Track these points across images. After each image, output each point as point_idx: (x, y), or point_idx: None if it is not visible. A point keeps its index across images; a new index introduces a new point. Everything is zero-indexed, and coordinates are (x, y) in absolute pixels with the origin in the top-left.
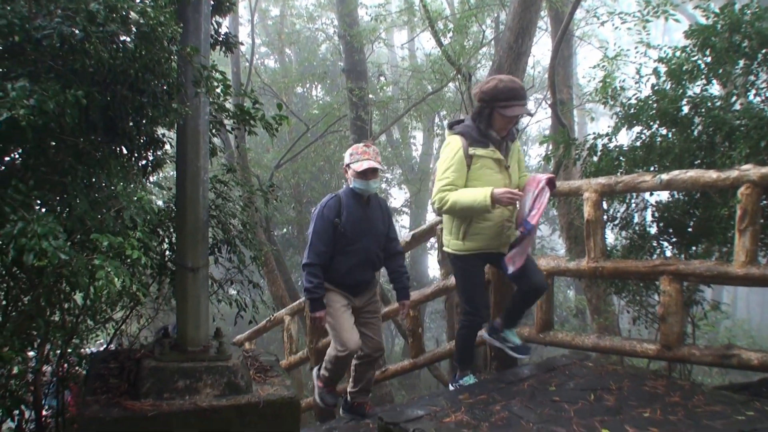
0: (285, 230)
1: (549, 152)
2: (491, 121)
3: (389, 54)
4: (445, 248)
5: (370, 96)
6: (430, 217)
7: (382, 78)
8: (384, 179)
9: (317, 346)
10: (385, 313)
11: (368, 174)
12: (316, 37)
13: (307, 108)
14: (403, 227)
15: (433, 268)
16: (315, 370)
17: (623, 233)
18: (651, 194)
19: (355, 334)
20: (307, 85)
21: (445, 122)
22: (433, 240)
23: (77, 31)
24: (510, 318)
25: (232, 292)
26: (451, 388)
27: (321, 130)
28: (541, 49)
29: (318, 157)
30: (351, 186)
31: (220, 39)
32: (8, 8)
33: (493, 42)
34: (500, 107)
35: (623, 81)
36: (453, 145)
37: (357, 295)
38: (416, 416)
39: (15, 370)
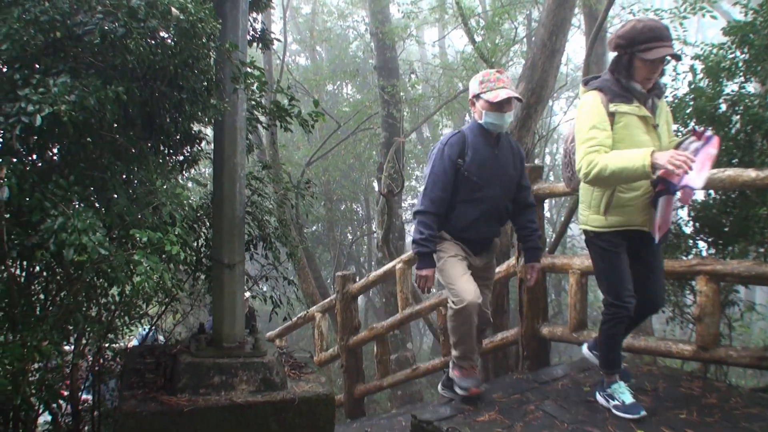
0: (315, 227)
1: None
2: (632, 70)
3: (420, 51)
4: (581, 226)
5: (401, 93)
6: None
7: (413, 75)
8: (414, 177)
9: (348, 343)
10: (417, 311)
11: (504, 106)
12: (347, 35)
13: (338, 105)
14: None
15: None
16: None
17: None
18: None
19: (473, 285)
20: (338, 83)
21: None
22: None
23: (118, 27)
24: (610, 357)
25: (265, 288)
26: (600, 399)
27: (351, 128)
28: (573, 47)
29: (348, 155)
30: (480, 121)
31: (257, 35)
32: (50, 4)
33: (525, 39)
34: (641, 51)
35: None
36: (592, 102)
37: (478, 253)
38: (450, 415)
39: (52, 364)
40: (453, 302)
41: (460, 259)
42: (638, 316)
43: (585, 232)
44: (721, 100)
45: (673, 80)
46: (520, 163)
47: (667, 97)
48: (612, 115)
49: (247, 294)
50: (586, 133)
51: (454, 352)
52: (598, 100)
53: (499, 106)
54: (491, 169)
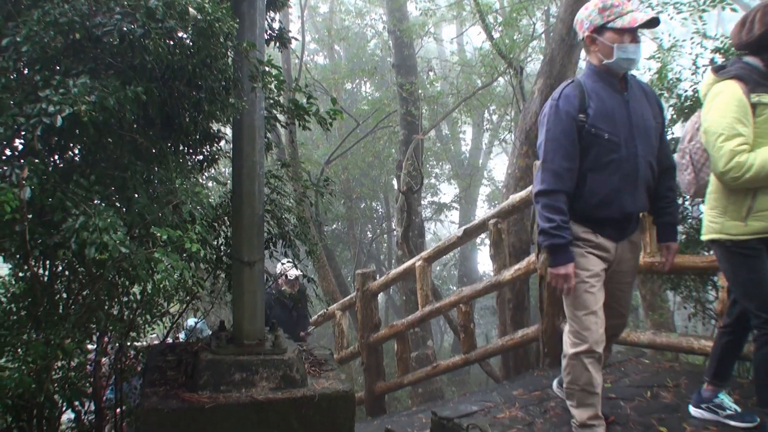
0: (335, 226)
1: None
2: None
3: (438, 48)
4: (710, 236)
5: (420, 91)
6: (480, 212)
7: (431, 73)
8: (432, 174)
9: (368, 341)
10: (437, 308)
11: (636, 35)
12: (364, 33)
13: (356, 104)
14: (452, 222)
15: (482, 264)
16: (555, 382)
17: (680, 228)
18: None
19: (601, 321)
20: (356, 81)
21: (495, 117)
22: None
23: (137, 28)
24: (721, 368)
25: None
26: (702, 413)
27: (370, 126)
28: None
29: (368, 153)
30: (609, 60)
31: (274, 34)
32: (69, 6)
33: (543, 35)
34: None
35: (678, 72)
36: (731, 93)
37: (622, 238)
38: (470, 411)
39: (74, 363)
40: (571, 340)
41: (598, 275)
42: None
43: (718, 242)
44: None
45: (693, 74)
46: (659, 109)
47: (687, 91)
48: (753, 107)
49: (297, 272)
50: (729, 128)
51: (569, 402)
52: (740, 91)
53: (632, 36)
54: (625, 121)
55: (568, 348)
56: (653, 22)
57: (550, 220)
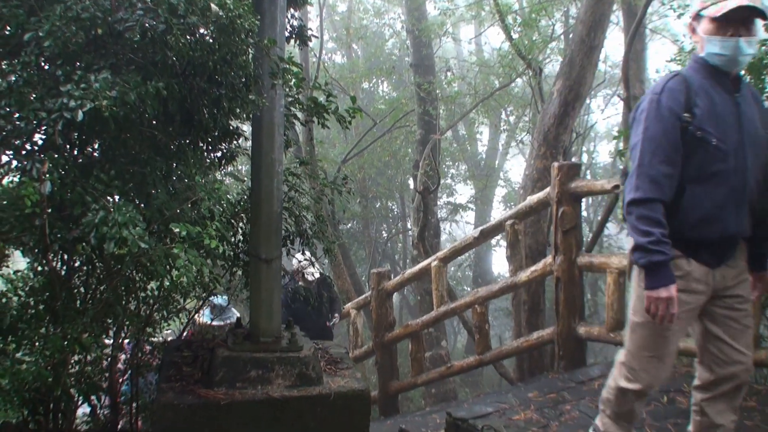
0: (350, 225)
1: (621, 148)
2: None
3: (456, 48)
4: None
5: (437, 91)
6: (495, 214)
7: (449, 73)
8: (448, 175)
9: (383, 340)
10: (452, 309)
11: (733, 25)
12: (383, 33)
13: (374, 103)
14: (468, 223)
15: (497, 265)
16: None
17: None
18: None
19: (667, 367)
20: (374, 81)
21: (512, 118)
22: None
23: (159, 24)
24: None
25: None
26: None
27: (387, 126)
28: (610, 43)
29: (384, 152)
30: (700, 55)
31: (294, 32)
32: (91, 2)
33: (562, 36)
34: None
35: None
36: None
37: (722, 262)
38: (485, 413)
39: (90, 357)
40: (623, 374)
41: (678, 320)
42: None
43: None
44: (764, 97)
45: None
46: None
47: None
48: None
49: (316, 275)
50: None
51: (603, 407)
52: None
53: (724, 25)
54: (735, 127)
55: (618, 379)
56: (746, 11)
57: (647, 233)
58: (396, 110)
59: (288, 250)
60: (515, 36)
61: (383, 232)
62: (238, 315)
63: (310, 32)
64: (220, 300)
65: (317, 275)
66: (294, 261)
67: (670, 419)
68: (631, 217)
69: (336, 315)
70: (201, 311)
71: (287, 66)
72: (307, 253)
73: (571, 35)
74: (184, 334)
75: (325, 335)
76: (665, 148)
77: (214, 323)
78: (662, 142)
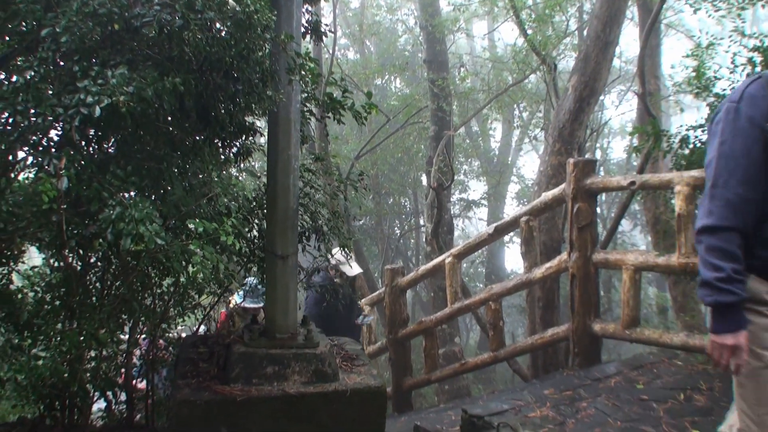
0: (363, 221)
1: (637, 144)
2: None
3: (469, 44)
4: None
5: (451, 87)
6: (509, 210)
7: (462, 69)
8: (461, 171)
9: (396, 336)
10: (466, 305)
11: None
12: (395, 29)
13: (387, 99)
14: (480, 219)
15: (510, 261)
16: None
17: None
18: None
19: None
20: (387, 77)
21: (525, 115)
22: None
23: (177, 19)
24: None
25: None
26: None
27: (400, 122)
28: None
29: (397, 149)
30: None
31: (309, 27)
32: None
33: (576, 32)
34: None
35: (716, 71)
36: None
37: None
38: (501, 410)
39: (106, 353)
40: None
41: None
42: None
43: None
44: None
45: (731, 72)
46: None
47: (725, 90)
48: None
49: (358, 269)
50: None
51: None
52: None
53: None
54: None
55: None
56: None
57: (716, 267)
58: (409, 106)
59: (303, 246)
60: (529, 32)
61: (396, 228)
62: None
63: (325, 27)
64: (254, 280)
65: (357, 271)
66: (331, 256)
67: (686, 417)
68: (701, 246)
69: (365, 313)
70: (236, 292)
71: (303, 61)
72: (332, 251)
73: (585, 31)
74: (201, 329)
75: (354, 333)
76: (745, 166)
77: (247, 305)
78: (741, 159)
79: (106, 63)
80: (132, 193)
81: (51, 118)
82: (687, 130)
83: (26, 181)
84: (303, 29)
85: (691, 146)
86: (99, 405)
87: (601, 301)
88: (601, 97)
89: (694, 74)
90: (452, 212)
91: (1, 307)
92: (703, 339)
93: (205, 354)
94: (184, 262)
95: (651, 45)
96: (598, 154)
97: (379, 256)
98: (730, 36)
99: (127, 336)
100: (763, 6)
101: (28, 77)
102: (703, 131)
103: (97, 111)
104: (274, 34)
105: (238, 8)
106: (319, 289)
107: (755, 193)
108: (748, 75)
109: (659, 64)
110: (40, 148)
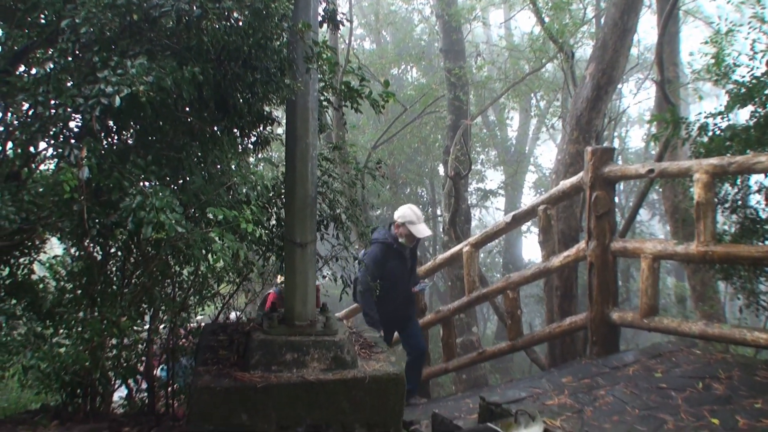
0: (380, 211)
1: (655, 132)
2: None
3: (486, 33)
4: None
5: (467, 76)
6: (526, 199)
7: (479, 58)
8: (479, 160)
9: None
10: (484, 294)
11: None
12: (411, 18)
13: (403, 89)
14: (497, 209)
15: (527, 251)
16: None
17: (733, 217)
18: (766, 176)
19: None
20: (403, 67)
21: (542, 103)
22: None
23: (195, 9)
24: None
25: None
26: None
27: (416, 112)
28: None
29: (414, 139)
30: None
31: (326, 16)
32: None
33: (594, 20)
34: None
35: (736, 58)
36: None
37: None
38: (519, 398)
39: (127, 341)
40: None
41: None
42: None
43: None
44: None
45: (750, 59)
46: None
47: (744, 77)
48: None
49: (429, 232)
50: None
51: None
52: None
53: None
54: None
55: None
56: None
57: None
58: (426, 96)
59: (322, 234)
60: (546, 19)
61: None
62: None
63: (341, 16)
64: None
65: (427, 233)
66: (398, 213)
67: (705, 405)
68: None
69: (425, 280)
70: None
71: (321, 50)
72: (413, 208)
73: (603, 18)
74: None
75: (412, 300)
76: None
77: None
78: None
79: (125, 53)
80: (152, 183)
81: (71, 109)
82: (706, 117)
83: (48, 172)
84: (320, 18)
85: (710, 134)
86: (120, 393)
87: (620, 291)
88: (619, 86)
89: (713, 61)
90: (469, 202)
91: (24, 296)
92: (722, 328)
93: (225, 341)
94: (204, 251)
95: (669, 32)
96: (616, 143)
97: None
98: (750, 22)
99: (147, 325)
100: None
101: (49, 69)
102: (722, 119)
103: (117, 101)
104: (292, 22)
105: None
106: (379, 246)
107: None
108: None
109: (678, 52)
110: (61, 139)
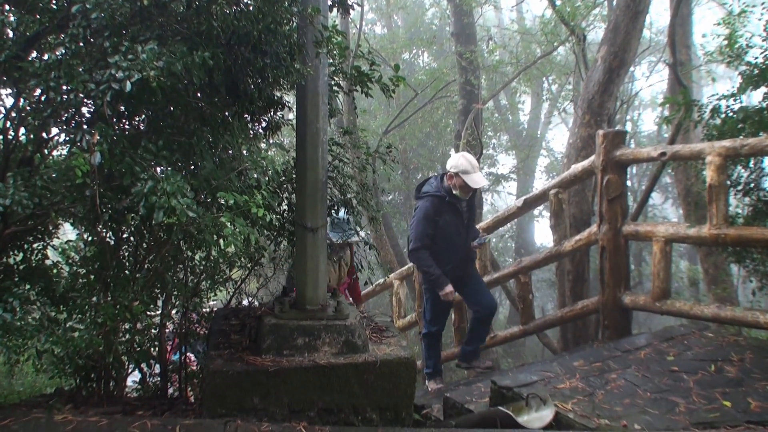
0: (391, 196)
1: (668, 115)
2: None
3: (497, 16)
4: None
5: (479, 60)
6: (538, 184)
7: (491, 42)
8: (490, 145)
9: None
10: (496, 279)
11: None
12: (422, 2)
13: (414, 74)
14: (509, 194)
15: (539, 236)
16: None
17: (746, 199)
18: None
19: None
20: (414, 51)
21: (554, 87)
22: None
23: None
24: None
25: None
26: None
27: (428, 96)
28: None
29: (425, 124)
30: None
31: (336, 0)
32: None
33: (605, 2)
34: None
35: (749, 39)
36: None
37: None
38: (530, 381)
39: (140, 326)
40: None
41: None
42: None
43: None
44: None
45: (764, 40)
46: None
47: (757, 58)
48: None
49: (481, 182)
50: None
51: None
52: None
53: None
54: None
55: None
56: None
57: None
58: (437, 80)
59: (333, 220)
60: (558, 2)
61: None
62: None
63: (351, 0)
64: (342, 214)
65: (483, 182)
66: (450, 163)
67: (717, 388)
68: None
69: (485, 234)
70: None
71: (331, 34)
72: (466, 157)
73: (615, 0)
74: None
75: (472, 257)
76: None
77: (333, 238)
78: None
79: (135, 38)
80: (163, 168)
81: (83, 95)
82: (718, 99)
83: (60, 157)
84: (330, 2)
85: (722, 116)
86: (134, 377)
87: (632, 275)
88: (631, 69)
89: (725, 43)
90: (482, 186)
91: (38, 281)
92: (734, 311)
93: (237, 326)
94: (215, 235)
95: (682, 14)
96: (629, 127)
97: (407, 231)
98: (763, 3)
99: (160, 309)
100: None
101: (60, 54)
102: (735, 101)
103: (128, 86)
104: (301, 7)
105: None
106: (430, 200)
107: None
108: None
109: (690, 34)
110: (73, 124)
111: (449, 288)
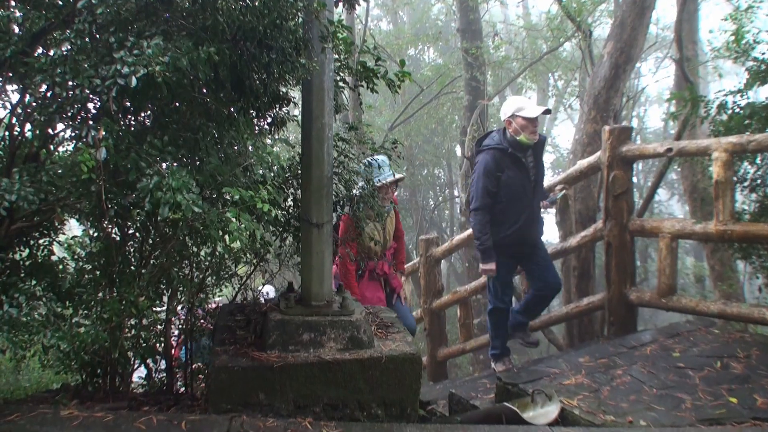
0: (397, 193)
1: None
2: None
3: (503, 12)
4: None
5: (484, 56)
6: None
7: (496, 37)
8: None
9: (431, 306)
10: None
11: None
12: None
13: (420, 70)
14: None
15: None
16: None
17: (753, 195)
18: None
19: None
20: (420, 47)
21: (560, 83)
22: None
23: None
24: None
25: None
26: None
27: (433, 92)
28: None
29: (431, 119)
30: None
31: None
32: None
33: None
34: None
35: (756, 35)
36: None
37: None
38: (535, 378)
39: (146, 321)
40: None
41: None
42: None
43: None
44: None
45: None
46: None
47: (764, 53)
48: None
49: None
50: None
51: None
52: None
53: None
54: None
55: None
56: None
57: None
58: (443, 76)
59: (338, 215)
60: None
61: (430, 199)
62: (401, 175)
63: None
64: (381, 157)
65: (539, 111)
66: (503, 111)
67: (723, 385)
68: None
69: (557, 190)
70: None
71: (336, 29)
72: (514, 97)
73: None
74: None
75: (539, 220)
76: None
77: (388, 179)
78: None
79: (141, 34)
80: (169, 163)
81: (88, 90)
82: (725, 95)
83: (66, 153)
84: None
85: (729, 112)
86: (140, 373)
87: (638, 271)
88: (638, 65)
89: (732, 38)
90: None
91: (44, 276)
92: (740, 307)
93: (242, 322)
94: (221, 231)
95: (689, 9)
96: (635, 123)
97: (413, 227)
98: None
99: (165, 305)
100: None
101: (66, 50)
102: (742, 96)
103: (134, 81)
104: (307, 2)
105: None
106: (490, 153)
107: None
108: None
109: (697, 29)
110: (79, 120)
111: (492, 266)
